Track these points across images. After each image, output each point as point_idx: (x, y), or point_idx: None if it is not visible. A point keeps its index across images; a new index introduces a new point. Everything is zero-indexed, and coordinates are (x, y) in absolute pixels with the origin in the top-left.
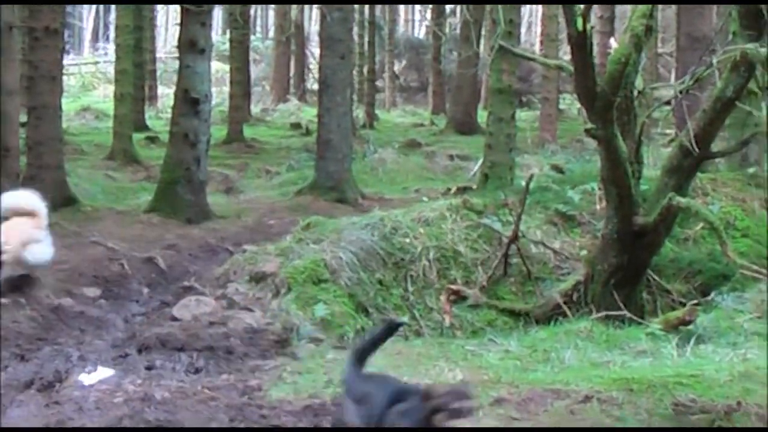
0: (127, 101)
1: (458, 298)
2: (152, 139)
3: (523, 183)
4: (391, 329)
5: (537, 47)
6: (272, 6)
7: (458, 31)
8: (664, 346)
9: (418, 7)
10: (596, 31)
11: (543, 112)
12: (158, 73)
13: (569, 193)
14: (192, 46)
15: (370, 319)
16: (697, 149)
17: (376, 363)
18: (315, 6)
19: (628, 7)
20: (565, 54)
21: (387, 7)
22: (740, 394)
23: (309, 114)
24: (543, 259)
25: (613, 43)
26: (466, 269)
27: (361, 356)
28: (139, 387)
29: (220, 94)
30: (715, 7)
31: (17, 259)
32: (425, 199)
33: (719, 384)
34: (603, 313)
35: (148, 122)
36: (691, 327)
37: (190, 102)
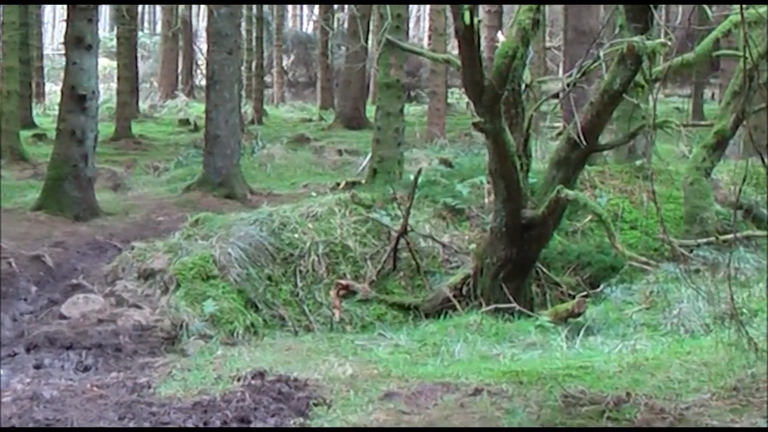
0: (14, 98)
1: (348, 292)
2: (40, 137)
3: (412, 177)
4: None
5: (425, 41)
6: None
7: (346, 25)
8: (554, 338)
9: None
10: (484, 25)
11: (431, 106)
12: (45, 70)
13: (458, 186)
14: (79, 43)
15: (260, 314)
16: (584, 142)
17: (265, 359)
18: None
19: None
20: (453, 48)
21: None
22: (629, 384)
23: (197, 110)
24: (432, 253)
25: (500, 36)
26: (355, 264)
27: None
28: (28, 386)
29: (107, 91)
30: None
31: None
32: (314, 194)
33: (608, 375)
34: (492, 306)
35: (36, 119)
36: (580, 319)
37: (77, 99)
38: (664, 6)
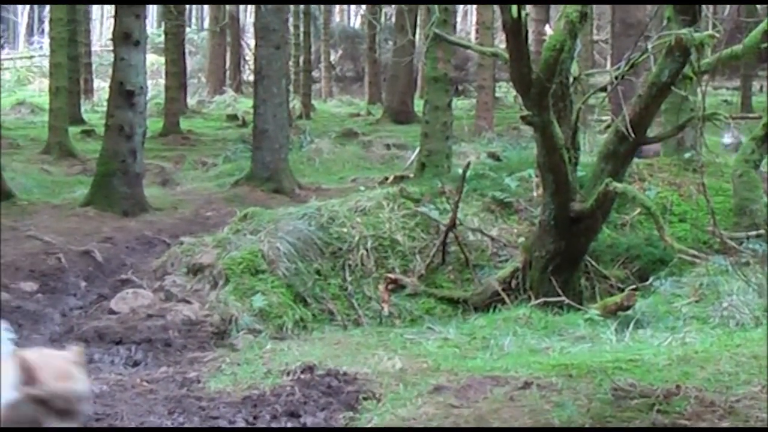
0: (63, 95)
1: (396, 286)
2: (88, 133)
3: (460, 171)
4: None
5: (472, 35)
6: None
7: (393, 20)
8: (603, 331)
9: None
10: (531, 18)
11: (479, 100)
12: (94, 66)
13: (506, 180)
14: (127, 39)
15: (309, 309)
16: (633, 135)
17: (314, 353)
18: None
19: None
20: (501, 42)
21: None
22: (679, 377)
23: (245, 105)
24: (481, 247)
25: (548, 30)
26: (403, 258)
27: None
28: None
29: (155, 87)
30: None
31: None
32: (362, 188)
33: (658, 368)
34: (541, 300)
35: (84, 115)
36: (629, 312)
37: (125, 94)
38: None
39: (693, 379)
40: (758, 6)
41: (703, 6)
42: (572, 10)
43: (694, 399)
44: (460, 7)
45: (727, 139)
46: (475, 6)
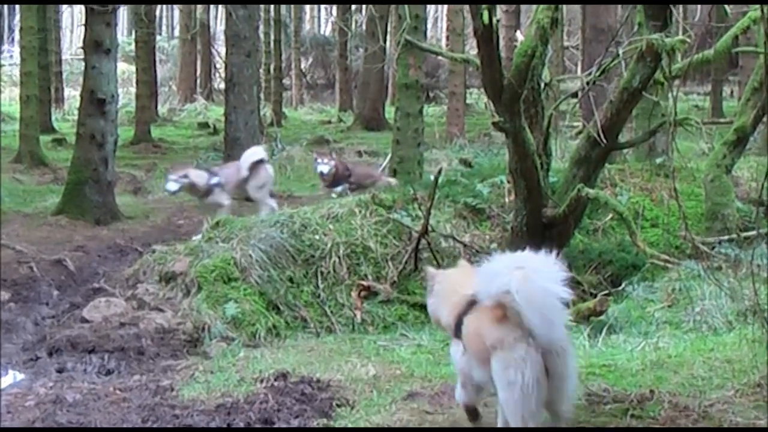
0: (33, 103)
1: (369, 293)
2: (59, 141)
3: (432, 177)
4: None
5: (443, 42)
6: (178, 5)
7: (364, 27)
8: (576, 336)
9: (323, 3)
10: (502, 24)
11: (450, 106)
12: (64, 75)
13: (478, 186)
14: (97, 47)
15: (282, 316)
16: (604, 140)
17: (288, 360)
18: (221, 4)
19: None
20: (472, 48)
21: (292, 4)
22: (653, 382)
23: (216, 113)
24: (453, 253)
25: (519, 35)
26: (376, 264)
27: None
28: (51, 390)
29: (126, 95)
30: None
31: None
32: (334, 195)
33: (631, 373)
34: None
35: (55, 124)
36: (602, 317)
37: (96, 103)
38: (682, 3)
39: (667, 383)
40: (729, 10)
41: (674, 11)
42: (543, 16)
43: (667, 403)
44: (431, 14)
45: None
46: (445, 12)
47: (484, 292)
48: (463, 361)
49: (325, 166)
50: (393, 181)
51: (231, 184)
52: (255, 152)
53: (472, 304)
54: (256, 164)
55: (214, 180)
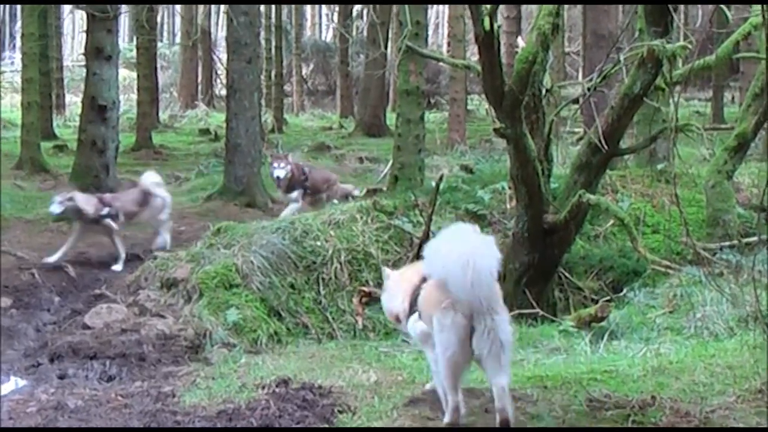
0: (35, 110)
1: (371, 299)
2: (61, 148)
3: (433, 183)
4: None
5: (444, 48)
6: (179, 11)
7: (365, 33)
8: (578, 342)
9: (324, 10)
10: (503, 31)
11: (451, 112)
12: (66, 81)
13: (479, 192)
14: (99, 53)
15: (283, 322)
16: (605, 146)
17: (289, 367)
18: (222, 10)
19: (535, 8)
20: (473, 55)
21: (294, 10)
22: (654, 388)
23: (217, 119)
24: None
25: (520, 42)
26: (377, 271)
27: None
28: (52, 396)
29: (127, 101)
30: (620, 4)
31: None
32: (335, 201)
33: (633, 379)
34: (516, 312)
35: (57, 130)
36: (603, 323)
37: (97, 109)
38: (683, 9)
39: (668, 389)
40: (730, 17)
41: (675, 17)
42: (544, 22)
43: (669, 409)
44: (432, 20)
45: None
46: (446, 19)
47: (429, 266)
48: (421, 331)
49: (281, 171)
50: (350, 188)
51: (126, 213)
52: (151, 177)
53: (423, 281)
54: (153, 190)
55: (105, 211)
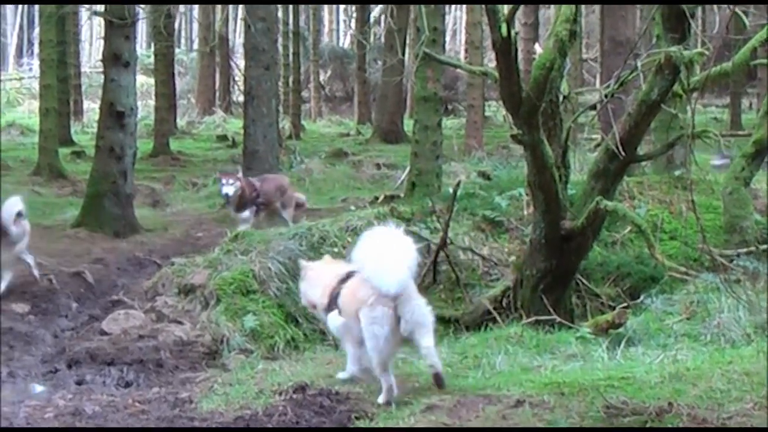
0: (53, 116)
1: None
2: (78, 154)
3: (451, 190)
4: None
5: (462, 55)
6: (196, 18)
7: (382, 39)
8: (595, 349)
9: (342, 16)
10: (520, 37)
11: (469, 119)
12: (83, 88)
13: (496, 199)
14: (116, 60)
15: (300, 329)
16: (623, 153)
17: (306, 373)
18: (239, 17)
19: (552, 14)
20: (490, 62)
21: (311, 16)
22: (671, 395)
23: (235, 126)
24: (472, 266)
25: (537, 48)
26: None
27: None
28: (70, 402)
29: (145, 108)
30: (638, 10)
31: None
32: (353, 208)
33: (650, 386)
34: (533, 318)
35: (74, 137)
36: (620, 330)
37: (115, 115)
38: (700, 15)
39: (685, 396)
40: (747, 23)
41: (692, 23)
42: (561, 28)
43: (686, 416)
44: (449, 27)
45: (717, 161)
46: (464, 25)
47: (357, 263)
48: (341, 325)
49: (229, 187)
50: (301, 196)
51: None
52: (14, 204)
53: (345, 278)
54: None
55: None
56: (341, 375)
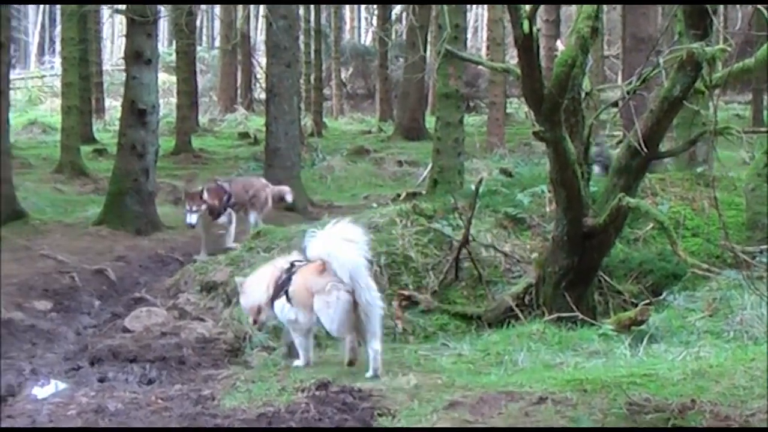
0: (74, 114)
1: (410, 303)
2: (100, 152)
3: (473, 187)
4: None
5: (483, 52)
6: (218, 15)
7: (404, 36)
8: (617, 346)
9: (363, 13)
10: (542, 34)
11: (490, 116)
12: (105, 86)
13: (518, 196)
14: (138, 57)
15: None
16: (645, 149)
17: (329, 370)
18: (261, 15)
19: (574, 11)
20: (512, 58)
21: (332, 14)
22: (694, 392)
23: (256, 123)
24: (494, 263)
25: (559, 45)
26: (417, 274)
27: None
28: (93, 399)
29: (167, 105)
30: (659, 7)
31: None
32: (375, 205)
33: (673, 383)
34: (555, 315)
35: (96, 135)
36: (643, 327)
37: (137, 113)
38: (722, 12)
39: (708, 393)
40: None
41: (714, 20)
42: (583, 25)
43: (709, 413)
44: (471, 24)
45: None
46: (485, 22)
47: (313, 252)
48: (290, 312)
49: (193, 216)
50: (285, 189)
51: None
52: None
53: (290, 269)
54: None
55: None
56: (297, 363)
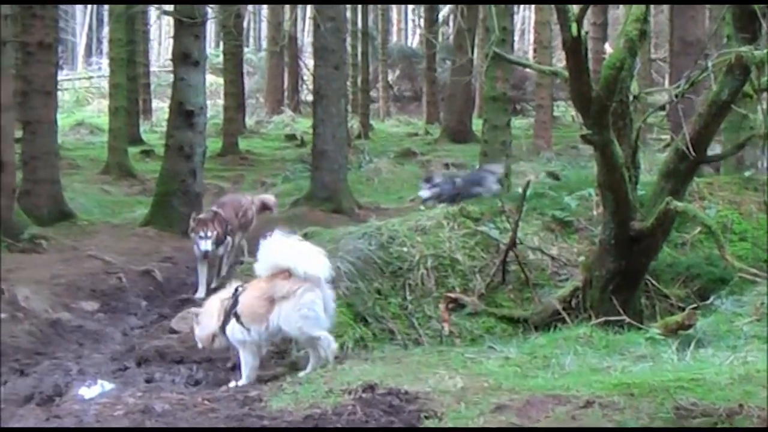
0: (122, 115)
1: (457, 306)
2: (147, 153)
3: (520, 190)
4: None
5: (530, 54)
6: (265, 17)
7: (451, 39)
8: (664, 350)
9: (410, 15)
10: (590, 37)
11: (537, 119)
12: (152, 87)
13: (566, 199)
14: (186, 59)
15: (369, 328)
16: (693, 153)
17: (375, 372)
18: (308, 17)
19: (621, 14)
20: (558, 61)
21: (379, 16)
22: (741, 396)
23: (303, 125)
24: (541, 266)
25: (607, 48)
26: (464, 277)
27: None
28: (139, 400)
29: (214, 107)
30: (707, 10)
31: None
32: (422, 207)
33: (720, 387)
34: (602, 319)
35: (143, 136)
36: (690, 331)
37: (184, 114)
38: None
39: (755, 398)
40: None
41: (763, 23)
42: (632, 28)
43: (756, 418)
44: (518, 27)
45: (425, 191)
46: (532, 25)
47: (267, 265)
48: (240, 332)
49: (206, 242)
50: (270, 198)
51: None
52: None
53: (235, 292)
54: None
55: None
56: (240, 382)
